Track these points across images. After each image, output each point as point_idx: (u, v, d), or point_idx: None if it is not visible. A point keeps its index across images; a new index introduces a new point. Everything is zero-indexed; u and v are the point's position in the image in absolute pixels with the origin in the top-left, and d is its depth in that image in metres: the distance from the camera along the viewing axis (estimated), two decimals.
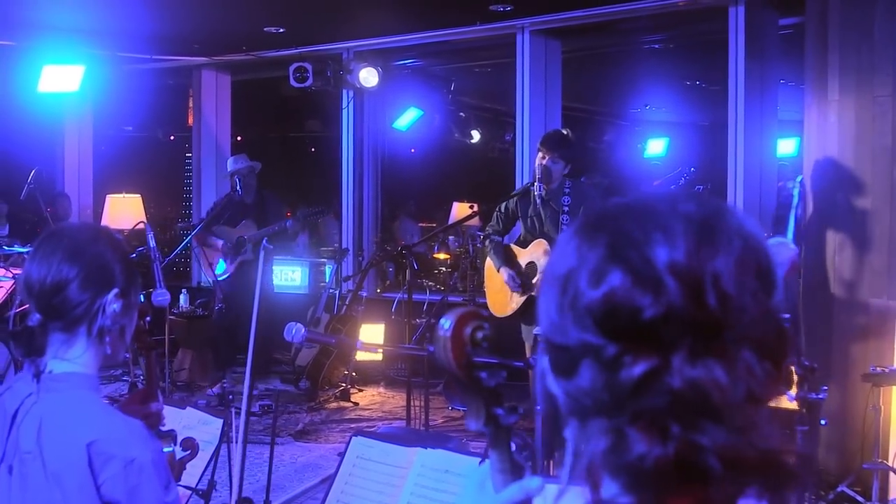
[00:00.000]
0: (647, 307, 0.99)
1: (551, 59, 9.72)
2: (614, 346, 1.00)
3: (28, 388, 2.23)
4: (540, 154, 6.60)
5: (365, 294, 9.62)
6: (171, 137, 14.92)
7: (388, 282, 10.87)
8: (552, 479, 1.22)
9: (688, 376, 0.98)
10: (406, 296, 7.03)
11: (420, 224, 14.35)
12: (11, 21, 9.08)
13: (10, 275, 7.50)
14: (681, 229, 1.02)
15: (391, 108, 11.52)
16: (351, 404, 8.65)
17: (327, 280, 9.92)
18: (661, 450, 0.99)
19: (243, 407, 4.11)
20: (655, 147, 16.76)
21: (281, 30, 9.72)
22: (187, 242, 8.55)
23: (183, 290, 9.64)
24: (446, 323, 1.30)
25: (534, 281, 6.60)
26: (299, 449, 7.30)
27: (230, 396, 5.69)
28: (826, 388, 2.59)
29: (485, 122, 14.82)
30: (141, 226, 6.47)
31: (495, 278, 6.87)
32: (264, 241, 5.11)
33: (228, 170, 9.01)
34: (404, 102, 11.73)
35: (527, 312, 6.70)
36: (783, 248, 2.21)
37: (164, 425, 2.71)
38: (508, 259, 6.80)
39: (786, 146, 12.03)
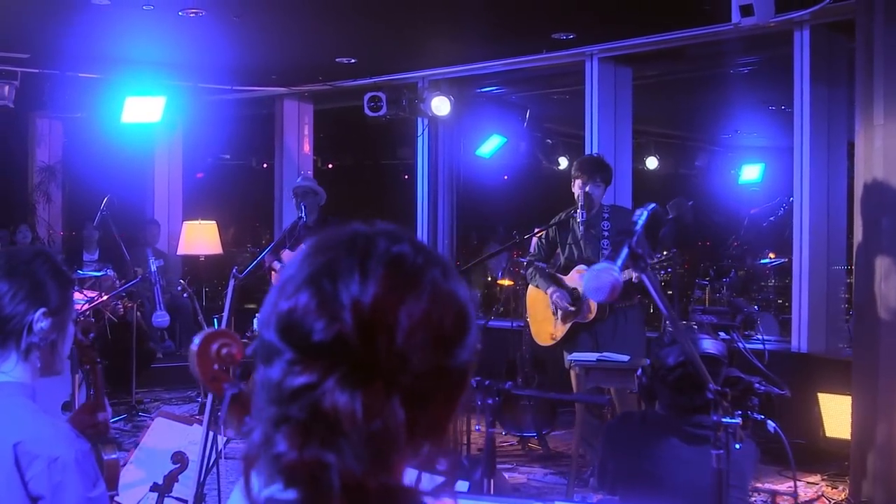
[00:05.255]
0: (319, 331, 1.09)
1: (621, 86, 9.71)
2: (290, 353, 1.10)
3: None
4: (579, 181, 6.63)
5: None
6: (265, 165, 15.32)
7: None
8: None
9: (335, 400, 1.07)
10: None
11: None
12: (96, 55, 9.53)
13: (84, 297, 7.88)
14: (381, 273, 1.11)
15: (474, 135, 11.58)
16: None
17: None
18: (294, 454, 1.08)
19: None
20: (750, 173, 16.44)
21: (352, 60, 9.96)
22: (255, 263, 8.75)
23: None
24: (196, 340, 1.42)
25: (573, 308, 6.62)
26: None
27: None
28: (740, 413, 2.58)
29: (572, 149, 14.80)
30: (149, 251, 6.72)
31: (538, 306, 6.89)
32: None
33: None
34: (486, 130, 11.77)
35: (570, 341, 6.71)
36: (604, 274, 2.23)
37: (110, 433, 2.90)
38: (556, 281, 6.80)
39: None
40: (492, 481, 3.07)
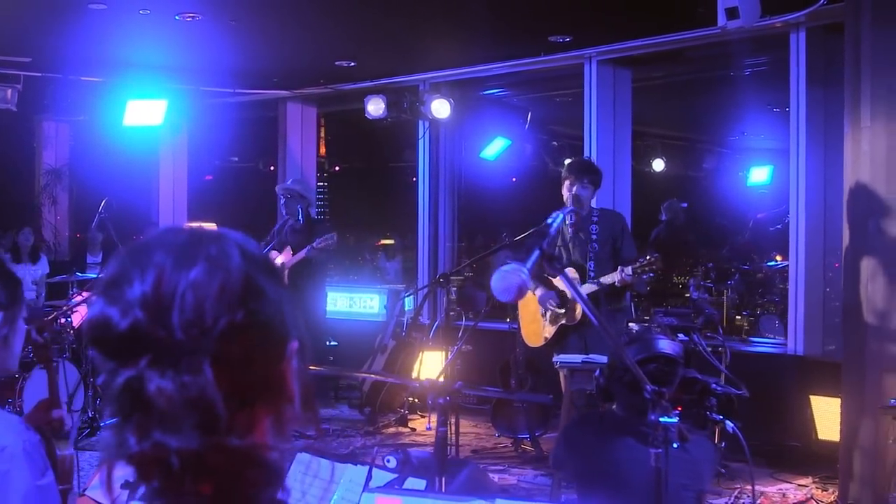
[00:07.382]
0: (116, 328, 1.14)
1: (620, 88, 9.70)
2: (106, 360, 1.16)
3: None
4: (568, 182, 6.64)
5: (427, 321, 9.76)
6: (272, 168, 15.39)
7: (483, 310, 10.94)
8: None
9: (154, 383, 1.12)
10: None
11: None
12: (97, 58, 9.62)
13: (83, 299, 7.96)
14: (158, 260, 1.16)
15: (477, 138, 11.55)
16: (408, 429, 8.78)
17: (406, 308, 10.14)
18: (137, 447, 1.13)
19: None
20: (759, 175, 16.36)
21: (352, 63, 10.00)
22: None
23: None
24: None
25: (561, 311, 6.63)
26: None
27: None
28: (678, 411, 2.59)
29: (577, 151, 14.72)
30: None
31: (528, 308, 6.90)
32: None
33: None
34: (490, 132, 11.73)
35: (559, 342, 6.73)
36: (511, 275, 2.25)
37: (66, 429, 2.97)
38: (544, 282, 6.79)
39: None
40: (443, 479, 3.10)
